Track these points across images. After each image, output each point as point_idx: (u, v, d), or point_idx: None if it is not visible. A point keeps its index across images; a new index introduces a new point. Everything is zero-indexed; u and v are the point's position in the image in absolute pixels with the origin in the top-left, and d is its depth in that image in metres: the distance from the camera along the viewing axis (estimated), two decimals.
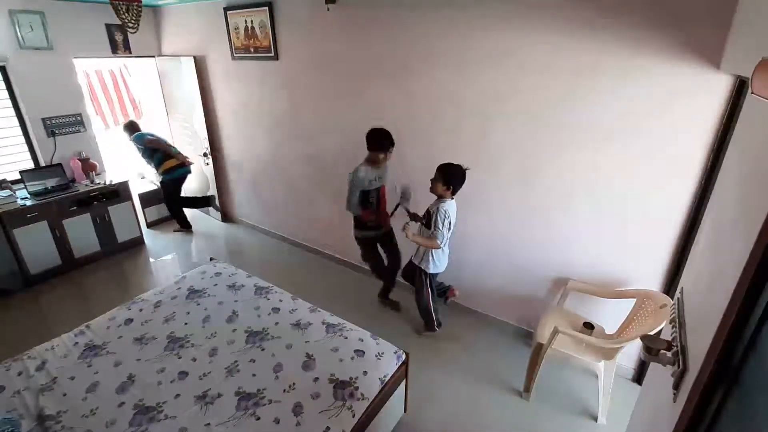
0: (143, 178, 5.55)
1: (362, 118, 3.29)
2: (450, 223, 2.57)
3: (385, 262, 3.23)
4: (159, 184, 4.71)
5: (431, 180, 2.59)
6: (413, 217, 2.82)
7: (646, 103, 2.12)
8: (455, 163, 2.54)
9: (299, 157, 3.94)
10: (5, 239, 3.48)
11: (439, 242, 2.58)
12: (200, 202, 4.93)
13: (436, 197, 2.64)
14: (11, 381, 2.00)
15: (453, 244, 3.13)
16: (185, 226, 4.87)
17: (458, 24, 2.57)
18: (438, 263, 2.76)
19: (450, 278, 3.19)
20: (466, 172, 2.54)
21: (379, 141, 2.71)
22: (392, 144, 2.76)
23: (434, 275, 2.84)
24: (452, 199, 2.60)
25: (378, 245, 3.16)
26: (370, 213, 2.92)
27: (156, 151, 4.36)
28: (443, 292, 3.08)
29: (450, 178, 2.52)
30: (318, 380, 1.96)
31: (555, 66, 2.31)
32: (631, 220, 2.36)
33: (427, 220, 2.64)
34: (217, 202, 4.96)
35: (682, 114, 2.04)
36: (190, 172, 4.64)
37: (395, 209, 2.94)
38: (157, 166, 4.40)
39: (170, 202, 4.71)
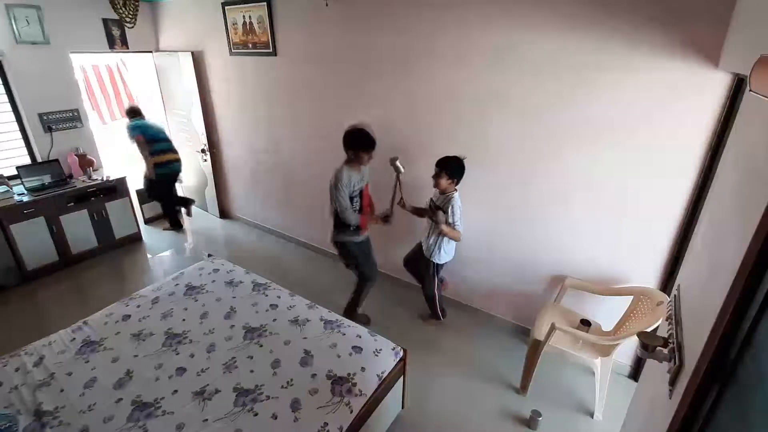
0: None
1: (361, 114, 3.28)
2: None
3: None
4: (149, 179, 4.36)
5: (433, 177, 2.63)
6: (400, 205, 2.80)
7: (645, 101, 2.12)
8: (452, 155, 2.60)
9: (298, 152, 3.93)
10: (2, 235, 3.47)
11: (461, 233, 2.68)
12: (186, 203, 4.88)
13: (438, 191, 2.69)
14: (8, 377, 2.00)
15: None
16: (176, 225, 4.80)
17: (457, 21, 2.55)
18: (446, 254, 2.81)
19: (449, 275, 3.19)
20: (464, 161, 2.60)
21: (368, 140, 2.57)
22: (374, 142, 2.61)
23: (442, 265, 2.89)
24: (456, 191, 2.66)
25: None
26: (363, 217, 2.76)
27: (150, 143, 4.19)
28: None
29: (453, 171, 2.59)
30: (316, 376, 1.96)
31: (554, 63, 2.31)
32: (628, 218, 2.36)
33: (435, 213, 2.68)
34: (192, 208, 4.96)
35: (680, 111, 2.05)
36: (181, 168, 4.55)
37: (395, 193, 2.76)
38: (151, 157, 4.21)
39: (165, 199, 4.65)
